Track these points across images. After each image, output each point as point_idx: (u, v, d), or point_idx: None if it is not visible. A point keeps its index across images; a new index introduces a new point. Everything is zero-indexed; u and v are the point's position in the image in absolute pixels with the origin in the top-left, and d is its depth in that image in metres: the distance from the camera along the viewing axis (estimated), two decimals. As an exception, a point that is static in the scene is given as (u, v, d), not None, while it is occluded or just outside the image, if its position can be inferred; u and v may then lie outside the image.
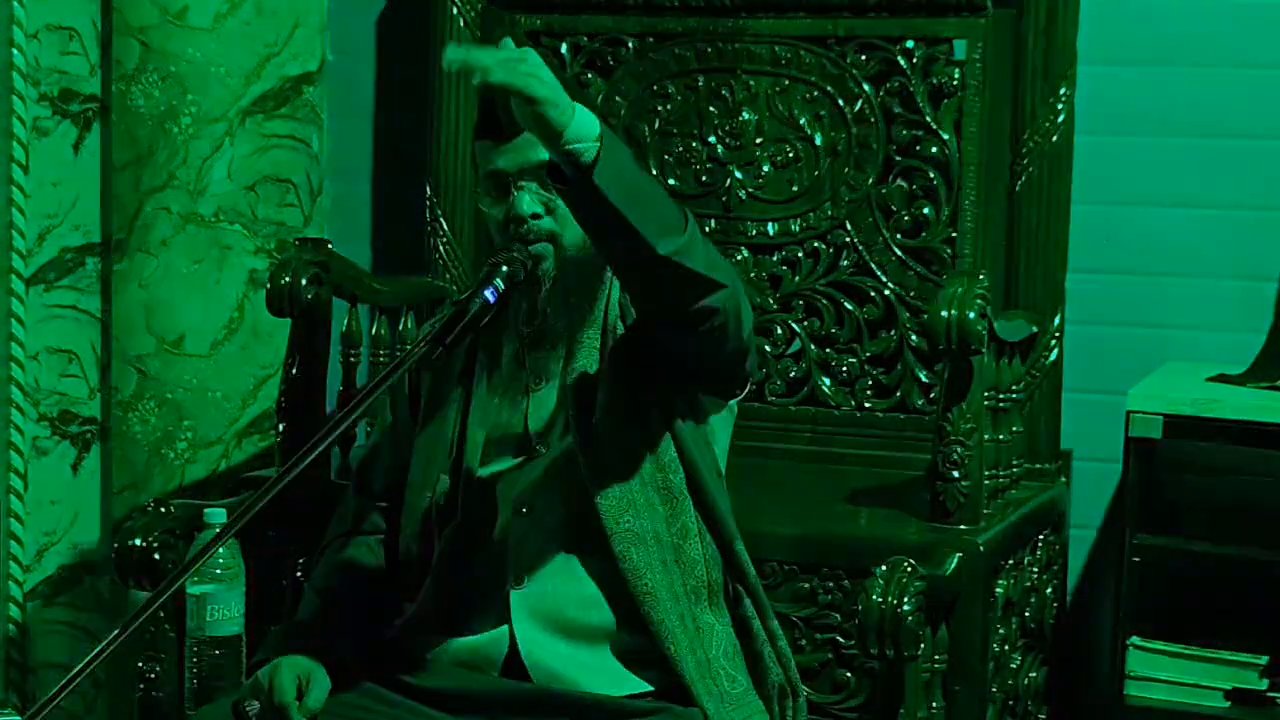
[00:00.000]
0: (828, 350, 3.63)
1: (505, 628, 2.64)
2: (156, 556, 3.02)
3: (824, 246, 3.64)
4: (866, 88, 3.60)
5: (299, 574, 3.27)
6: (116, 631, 2.25)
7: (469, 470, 2.70)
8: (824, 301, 3.63)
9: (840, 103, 3.61)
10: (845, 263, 3.63)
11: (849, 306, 3.62)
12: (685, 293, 2.51)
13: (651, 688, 2.61)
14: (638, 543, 2.61)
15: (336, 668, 2.64)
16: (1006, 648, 3.21)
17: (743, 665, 2.67)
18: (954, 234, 3.56)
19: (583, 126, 2.39)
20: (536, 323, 2.68)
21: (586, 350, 2.69)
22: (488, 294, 2.56)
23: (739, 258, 3.66)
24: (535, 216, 2.63)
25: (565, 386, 2.67)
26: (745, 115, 3.66)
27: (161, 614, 3.01)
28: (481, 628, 2.67)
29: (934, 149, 3.56)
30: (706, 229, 3.66)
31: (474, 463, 2.70)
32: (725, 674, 2.63)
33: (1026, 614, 3.31)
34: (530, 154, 2.62)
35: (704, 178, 3.69)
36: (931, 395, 3.54)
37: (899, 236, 3.59)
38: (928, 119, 3.56)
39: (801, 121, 3.64)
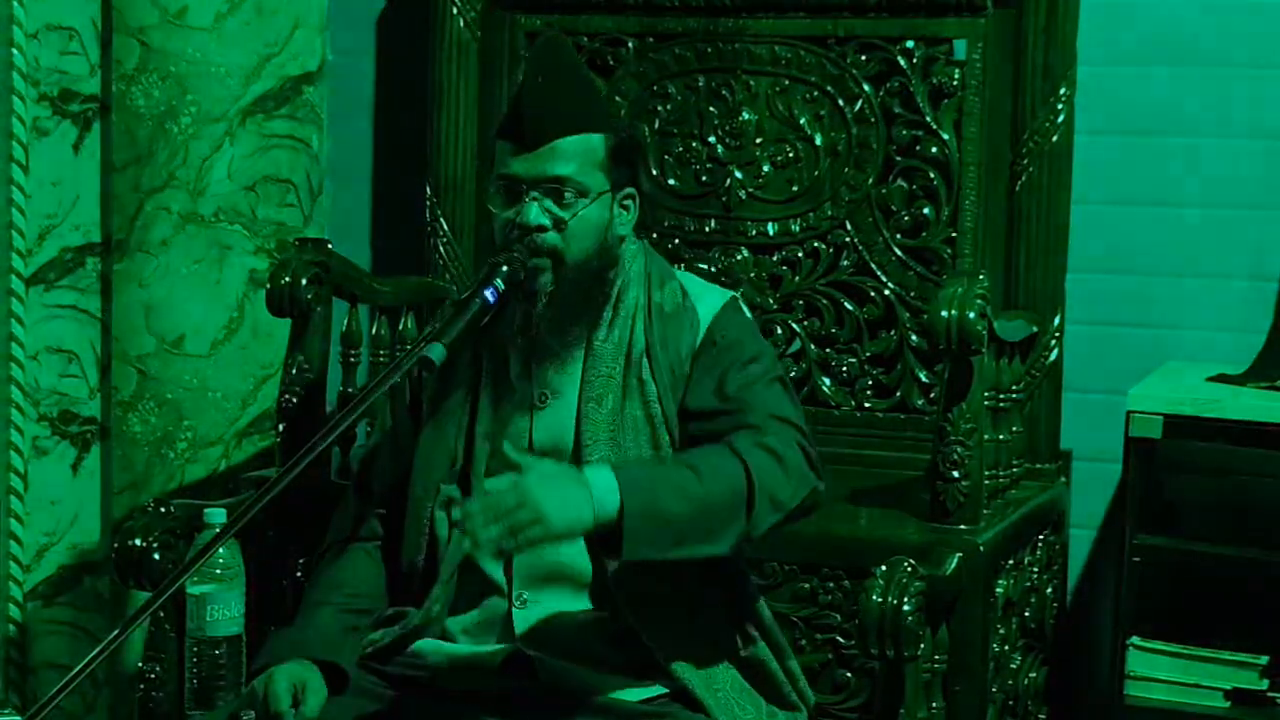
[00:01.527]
0: (828, 350, 3.63)
1: (508, 639, 2.64)
2: (156, 556, 3.02)
3: (824, 246, 3.64)
4: (866, 88, 3.60)
5: (299, 574, 3.27)
6: (116, 631, 2.25)
7: (474, 481, 2.69)
8: (824, 301, 3.63)
9: (840, 103, 3.61)
10: (845, 263, 3.63)
11: (849, 306, 3.62)
12: (770, 530, 2.56)
13: (664, 690, 2.61)
14: (642, 587, 2.60)
15: (334, 675, 2.63)
16: (1006, 648, 3.21)
17: (757, 698, 2.68)
18: (954, 234, 3.56)
19: (604, 506, 2.41)
20: (530, 334, 2.67)
21: (603, 380, 2.68)
22: (487, 294, 2.56)
23: (739, 258, 3.66)
24: (541, 229, 2.62)
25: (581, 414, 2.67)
26: (745, 115, 3.66)
27: (161, 614, 3.01)
28: (485, 640, 2.66)
29: (934, 149, 3.56)
30: (706, 229, 3.67)
31: (479, 473, 2.69)
32: (736, 704, 2.64)
33: (1026, 614, 3.31)
34: (547, 166, 2.61)
35: (704, 178, 3.69)
36: (931, 395, 3.54)
37: (899, 236, 3.59)
38: (928, 119, 3.56)
39: (801, 121, 3.64)
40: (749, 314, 2.79)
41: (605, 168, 2.65)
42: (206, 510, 2.89)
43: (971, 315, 3.04)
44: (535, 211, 2.61)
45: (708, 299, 2.72)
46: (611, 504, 2.41)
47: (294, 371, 3.40)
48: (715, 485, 2.47)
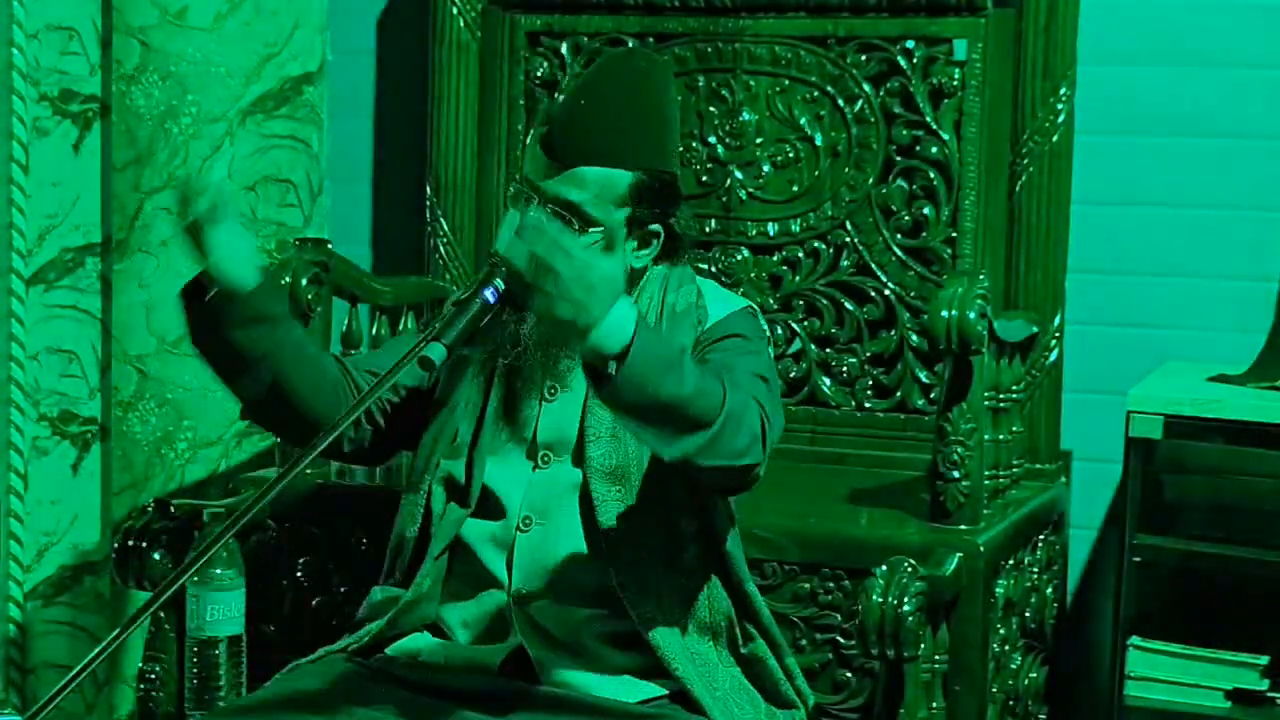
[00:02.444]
0: (828, 350, 3.64)
1: (508, 636, 2.64)
2: (156, 556, 3.02)
3: (824, 246, 3.64)
4: (866, 88, 3.60)
5: (299, 574, 3.27)
6: (116, 631, 2.25)
7: (476, 461, 2.69)
8: (824, 301, 3.64)
9: (840, 103, 3.61)
10: (845, 263, 3.63)
11: (849, 306, 3.62)
12: (706, 468, 2.49)
13: (664, 692, 2.61)
14: (642, 585, 2.61)
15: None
16: (1006, 648, 3.21)
17: (756, 698, 2.68)
18: (954, 234, 3.56)
19: (606, 343, 2.35)
20: (517, 351, 2.66)
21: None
22: (488, 294, 2.55)
23: (739, 258, 3.66)
24: None
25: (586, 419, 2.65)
26: (745, 115, 3.66)
27: (161, 614, 3.01)
28: (484, 636, 2.66)
29: (934, 149, 3.56)
30: (706, 229, 3.66)
31: (483, 460, 2.69)
32: (735, 704, 2.63)
33: (1026, 614, 3.31)
34: (562, 189, 2.57)
35: (704, 178, 3.69)
36: (931, 395, 3.54)
37: (899, 236, 3.59)
38: (928, 119, 3.56)
39: (802, 122, 3.64)
40: (764, 325, 2.78)
41: (624, 203, 2.60)
42: (206, 510, 2.89)
43: (971, 315, 3.04)
44: None
45: (723, 303, 2.71)
46: (612, 347, 2.35)
47: (294, 371, 3.39)
48: (700, 398, 2.43)
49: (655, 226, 2.65)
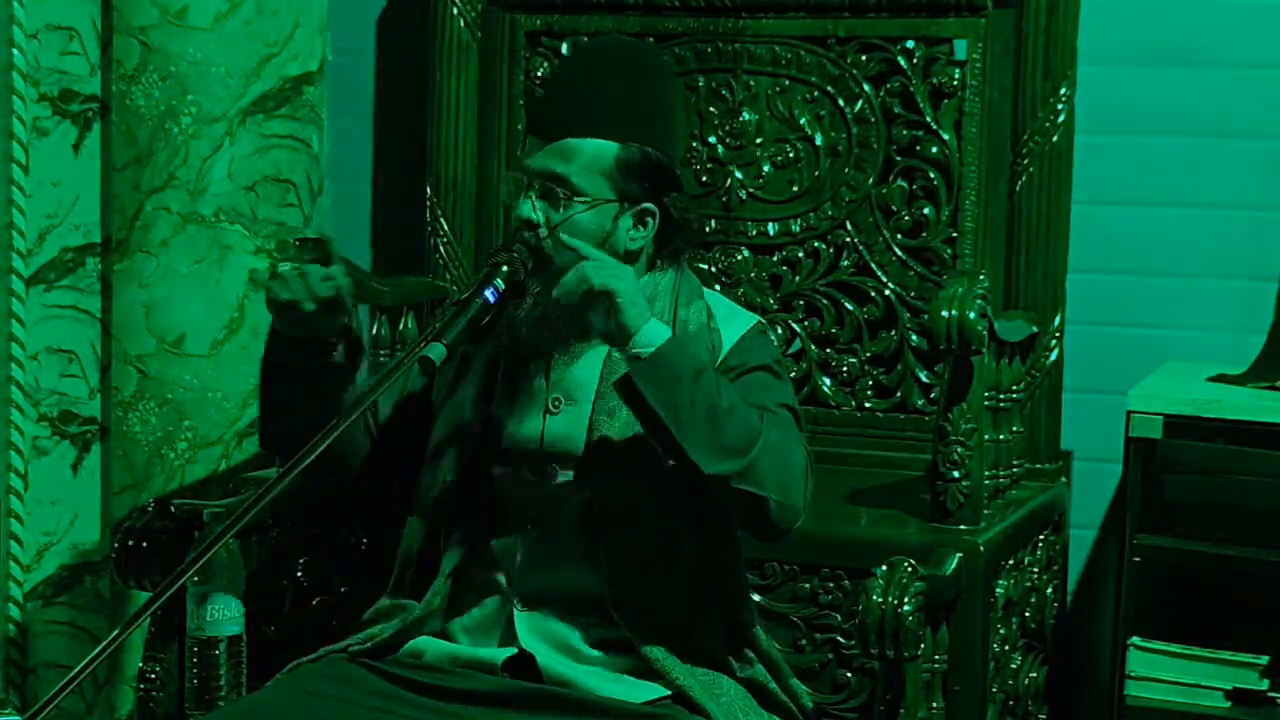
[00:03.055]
0: (828, 350, 3.64)
1: (511, 639, 2.64)
2: (156, 556, 3.02)
3: (824, 246, 3.64)
4: (867, 88, 3.60)
5: (299, 574, 3.27)
6: (116, 631, 2.26)
7: (483, 477, 2.69)
8: (824, 301, 3.63)
9: (840, 103, 3.61)
10: (845, 263, 3.63)
11: (849, 306, 3.62)
12: (734, 502, 2.53)
13: (667, 692, 2.61)
14: (637, 599, 2.61)
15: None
16: (1006, 648, 3.21)
17: (759, 709, 2.67)
18: (954, 234, 3.56)
19: (651, 334, 2.47)
20: (512, 334, 2.66)
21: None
22: (488, 294, 2.55)
23: (739, 258, 3.66)
24: (531, 225, 2.60)
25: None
26: (745, 115, 3.66)
27: (161, 614, 3.01)
28: (486, 641, 2.66)
29: (934, 149, 3.56)
30: (706, 229, 3.66)
31: (489, 473, 2.69)
32: (739, 707, 2.63)
33: (1026, 614, 3.31)
34: (549, 163, 2.59)
35: (704, 178, 3.69)
36: (932, 395, 3.54)
37: (899, 236, 3.59)
38: (928, 119, 3.56)
39: (802, 122, 3.64)
40: (775, 341, 2.78)
41: (612, 177, 2.61)
42: (206, 510, 2.89)
43: (971, 315, 3.04)
44: (527, 207, 2.61)
45: (733, 323, 2.70)
46: (644, 348, 2.48)
47: (294, 371, 3.39)
48: (733, 420, 2.49)
49: (649, 205, 2.65)
